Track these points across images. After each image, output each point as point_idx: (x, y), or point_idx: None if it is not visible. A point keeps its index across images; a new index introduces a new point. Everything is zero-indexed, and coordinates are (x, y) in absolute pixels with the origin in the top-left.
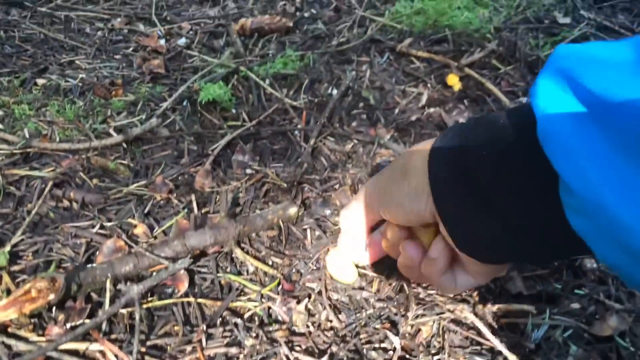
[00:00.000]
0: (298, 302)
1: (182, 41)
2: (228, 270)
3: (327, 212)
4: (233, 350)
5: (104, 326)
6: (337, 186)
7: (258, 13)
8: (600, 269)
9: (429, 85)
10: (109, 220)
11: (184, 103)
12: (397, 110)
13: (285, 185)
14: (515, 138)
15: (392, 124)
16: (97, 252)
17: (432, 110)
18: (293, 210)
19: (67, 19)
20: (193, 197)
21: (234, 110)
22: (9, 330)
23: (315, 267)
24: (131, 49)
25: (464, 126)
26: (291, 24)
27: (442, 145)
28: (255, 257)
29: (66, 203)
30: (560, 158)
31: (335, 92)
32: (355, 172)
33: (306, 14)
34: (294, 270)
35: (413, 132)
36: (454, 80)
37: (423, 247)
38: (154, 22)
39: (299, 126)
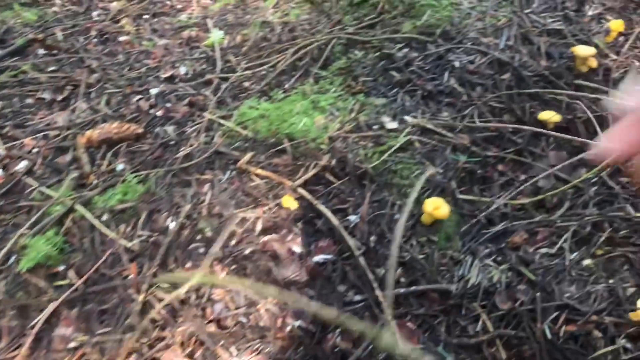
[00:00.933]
0: None
1: (22, 165)
2: None
3: None
4: None
5: None
6: (169, 342)
7: (111, 112)
8: None
9: (266, 207)
10: None
11: (10, 261)
12: (233, 241)
13: None
14: None
15: (229, 258)
16: None
17: (267, 238)
18: None
19: None
20: None
21: (62, 267)
22: None
23: None
24: None
25: None
26: (141, 130)
27: None
28: None
29: None
30: None
31: (173, 224)
32: (185, 327)
33: (159, 112)
34: None
35: (249, 266)
36: (289, 202)
37: None
38: None
39: (130, 277)
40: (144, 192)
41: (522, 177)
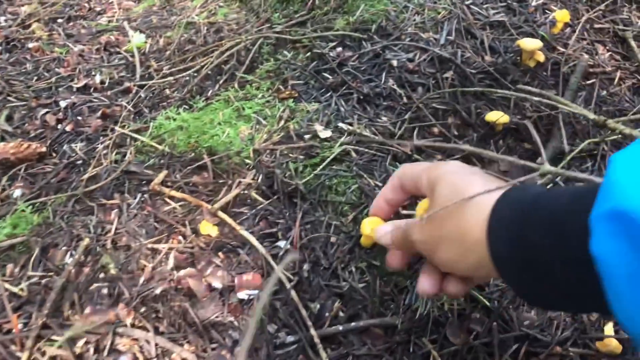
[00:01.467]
0: None
1: None
2: None
3: None
4: None
5: None
6: None
7: (12, 129)
8: None
9: (181, 236)
10: None
11: None
12: (142, 279)
13: None
14: (576, 243)
15: (136, 300)
16: None
17: (182, 273)
18: None
19: None
20: None
21: None
22: None
23: None
24: None
25: (518, 210)
26: (44, 149)
27: (501, 228)
28: None
29: None
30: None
31: (71, 260)
32: None
33: (68, 127)
34: None
35: (161, 309)
36: (208, 228)
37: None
38: None
39: (13, 331)
40: (40, 223)
41: None
